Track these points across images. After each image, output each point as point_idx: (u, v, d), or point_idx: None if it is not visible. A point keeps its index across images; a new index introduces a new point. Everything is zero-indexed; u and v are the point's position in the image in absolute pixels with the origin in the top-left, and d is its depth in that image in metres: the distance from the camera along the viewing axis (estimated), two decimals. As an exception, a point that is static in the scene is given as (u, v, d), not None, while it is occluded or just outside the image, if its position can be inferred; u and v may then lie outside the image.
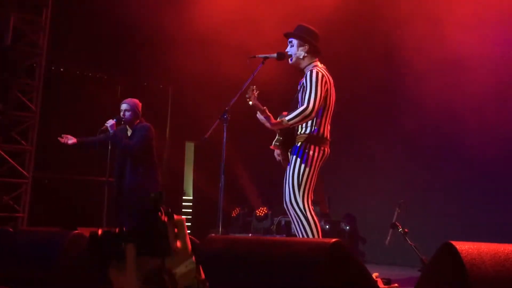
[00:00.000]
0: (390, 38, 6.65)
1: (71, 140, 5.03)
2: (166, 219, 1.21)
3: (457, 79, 6.15)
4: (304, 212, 3.74)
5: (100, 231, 1.24)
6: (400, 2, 6.35)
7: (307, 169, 3.77)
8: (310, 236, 3.72)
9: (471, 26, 5.79)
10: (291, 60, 4.00)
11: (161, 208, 1.22)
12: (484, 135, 5.95)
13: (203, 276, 1.24)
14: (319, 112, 3.83)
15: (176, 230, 1.23)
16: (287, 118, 3.77)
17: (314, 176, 3.82)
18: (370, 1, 6.86)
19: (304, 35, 3.97)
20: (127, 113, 5.00)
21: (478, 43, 5.75)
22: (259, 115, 3.83)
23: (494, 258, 1.66)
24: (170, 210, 1.21)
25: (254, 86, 3.71)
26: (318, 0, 6.42)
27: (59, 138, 5.06)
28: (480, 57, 5.81)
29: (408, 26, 6.28)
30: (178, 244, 1.21)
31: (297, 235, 3.84)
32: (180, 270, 1.22)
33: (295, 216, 3.78)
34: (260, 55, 3.99)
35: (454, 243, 1.71)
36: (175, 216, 1.23)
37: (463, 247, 1.67)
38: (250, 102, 3.69)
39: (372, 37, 7.09)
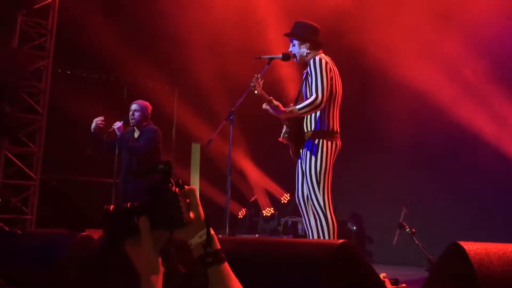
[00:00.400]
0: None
1: (102, 122, 4.95)
2: (177, 190, 1.19)
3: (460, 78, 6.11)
4: (324, 210, 3.74)
5: (112, 207, 1.22)
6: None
7: (324, 165, 3.77)
8: (326, 235, 3.72)
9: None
10: (296, 59, 4.03)
11: (171, 179, 1.20)
12: (489, 135, 5.92)
13: (218, 246, 1.22)
14: (326, 105, 3.82)
15: (188, 200, 1.21)
16: (298, 107, 3.76)
17: (331, 171, 3.84)
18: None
19: (302, 33, 3.99)
20: (136, 113, 5.01)
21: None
22: (265, 106, 3.82)
23: (502, 258, 1.65)
24: (180, 180, 1.19)
25: (259, 75, 3.71)
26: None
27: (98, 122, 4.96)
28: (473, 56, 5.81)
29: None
30: (191, 214, 1.20)
31: (309, 232, 3.83)
32: (195, 240, 1.21)
33: (314, 212, 3.78)
34: (265, 56, 4.01)
35: (462, 243, 1.71)
36: (186, 187, 1.22)
37: (471, 247, 1.67)
38: (256, 92, 3.69)
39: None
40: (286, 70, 5.56)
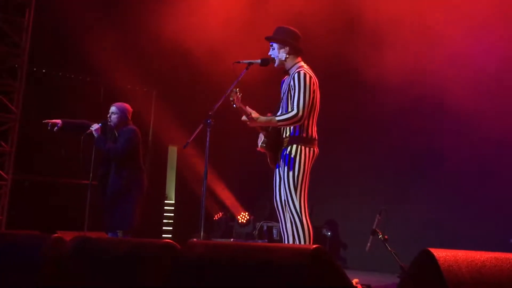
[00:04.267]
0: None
1: (57, 123, 4.98)
2: None
3: (443, 83, 6.21)
4: (300, 216, 3.80)
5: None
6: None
7: (301, 171, 3.83)
8: (302, 239, 3.78)
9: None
10: (275, 64, 4.06)
11: None
12: (466, 143, 6.05)
13: None
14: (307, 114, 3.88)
15: None
16: (277, 118, 3.82)
17: (307, 177, 3.89)
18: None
19: (283, 37, 4.02)
20: (113, 116, 4.98)
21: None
22: (244, 118, 3.87)
23: (471, 265, 1.69)
24: None
25: (238, 89, 3.75)
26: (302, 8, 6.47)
27: (45, 122, 5.01)
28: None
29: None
30: None
31: (285, 236, 3.87)
32: None
33: (291, 218, 3.83)
34: (244, 61, 4.03)
35: (432, 250, 1.74)
36: None
37: (440, 254, 1.70)
38: (234, 105, 3.74)
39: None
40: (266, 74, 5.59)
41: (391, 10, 6.11)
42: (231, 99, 3.73)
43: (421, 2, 6.32)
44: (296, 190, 3.82)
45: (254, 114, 3.83)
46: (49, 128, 5.03)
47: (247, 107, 3.83)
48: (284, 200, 3.88)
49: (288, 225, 3.87)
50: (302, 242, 3.76)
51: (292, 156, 3.84)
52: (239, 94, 3.74)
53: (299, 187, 3.82)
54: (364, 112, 7.37)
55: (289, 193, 3.83)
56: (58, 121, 5.02)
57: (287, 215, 3.87)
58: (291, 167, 3.83)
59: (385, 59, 6.16)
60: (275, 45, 4.04)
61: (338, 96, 6.95)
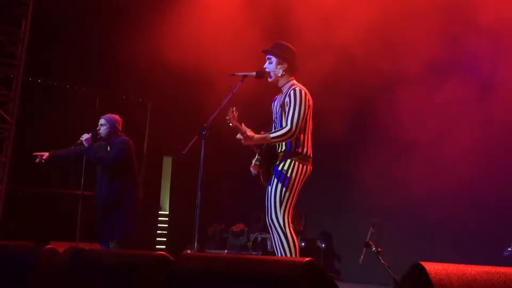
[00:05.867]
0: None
1: (44, 156, 5.02)
2: None
3: (431, 89, 6.26)
4: (284, 230, 3.79)
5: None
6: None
7: (290, 186, 3.82)
8: (288, 253, 3.77)
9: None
10: (270, 78, 4.06)
11: None
12: (457, 153, 6.08)
13: None
14: (301, 130, 3.90)
15: None
16: (271, 135, 3.82)
17: (295, 194, 3.88)
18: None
19: (283, 54, 4.03)
20: (102, 128, 4.96)
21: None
22: (239, 136, 3.87)
23: (462, 279, 1.71)
24: None
25: (234, 108, 3.75)
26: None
27: (34, 155, 5.04)
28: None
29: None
30: None
31: (276, 252, 3.88)
32: None
33: (275, 233, 3.83)
34: (239, 73, 4.04)
35: (423, 263, 1.76)
36: None
37: (431, 267, 1.72)
38: (231, 124, 3.74)
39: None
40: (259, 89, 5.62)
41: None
42: (227, 118, 3.73)
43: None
44: (281, 206, 3.80)
45: (249, 132, 3.81)
46: (37, 161, 5.04)
47: (243, 125, 3.83)
48: (269, 213, 3.85)
49: (275, 241, 3.87)
50: (289, 255, 3.77)
51: (284, 170, 3.83)
52: (236, 112, 3.75)
53: (285, 201, 3.81)
54: (360, 125, 7.40)
55: (273, 206, 3.81)
56: (46, 154, 5.06)
57: (273, 230, 3.86)
58: (280, 180, 3.82)
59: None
60: (273, 60, 4.02)
61: (335, 109, 6.98)
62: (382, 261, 4.90)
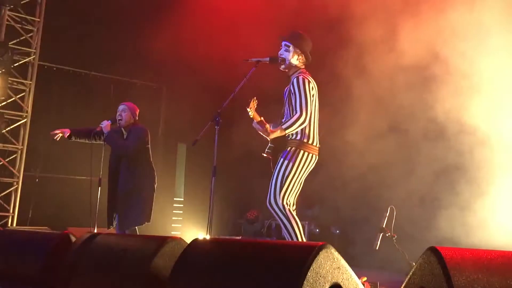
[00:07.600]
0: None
1: (66, 133, 5.03)
2: None
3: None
4: (284, 211, 3.80)
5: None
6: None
7: (292, 171, 3.84)
8: (293, 234, 3.78)
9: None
10: (284, 65, 4.05)
11: None
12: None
13: None
14: (309, 119, 3.91)
15: None
16: (284, 126, 3.83)
17: (298, 180, 3.89)
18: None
19: (302, 45, 4.03)
20: (124, 114, 4.99)
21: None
22: (255, 124, 3.89)
23: (477, 263, 1.69)
24: None
25: (254, 98, 3.78)
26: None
27: (54, 133, 5.05)
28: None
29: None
30: None
31: (285, 236, 3.90)
32: None
33: (277, 216, 3.84)
34: (253, 59, 4.04)
35: (438, 248, 1.75)
36: None
37: (447, 252, 1.71)
38: (250, 114, 3.76)
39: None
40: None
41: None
42: (248, 109, 3.74)
43: None
44: (282, 188, 3.80)
45: (266, 125, 3.83)
46: (57, 139, 5.05)
47: (262, 118, 3.84)
48: (269, 197, 3.85)
49: (280, 224, 3.88)
50: (293, 235, 3.78)
51: (289, 156, 3.87)
52: (255, 102, 3.77)
53: (286, 186, 3.81)
54: (375, 108, 7.33)
55: (273, 189, 3.82)
56: (67, 130, 5.06)
57: (273, 214, 3.86)
58: (284, 165, 3.84)
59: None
60: (291, 48, 4.03)
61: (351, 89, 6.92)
62: (397, 247, 4.88)
